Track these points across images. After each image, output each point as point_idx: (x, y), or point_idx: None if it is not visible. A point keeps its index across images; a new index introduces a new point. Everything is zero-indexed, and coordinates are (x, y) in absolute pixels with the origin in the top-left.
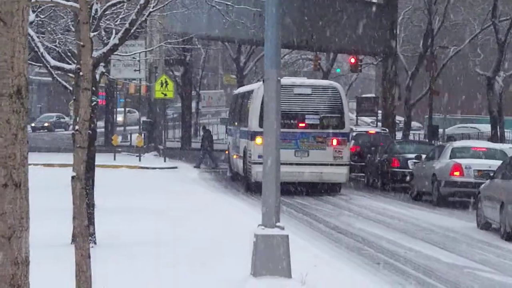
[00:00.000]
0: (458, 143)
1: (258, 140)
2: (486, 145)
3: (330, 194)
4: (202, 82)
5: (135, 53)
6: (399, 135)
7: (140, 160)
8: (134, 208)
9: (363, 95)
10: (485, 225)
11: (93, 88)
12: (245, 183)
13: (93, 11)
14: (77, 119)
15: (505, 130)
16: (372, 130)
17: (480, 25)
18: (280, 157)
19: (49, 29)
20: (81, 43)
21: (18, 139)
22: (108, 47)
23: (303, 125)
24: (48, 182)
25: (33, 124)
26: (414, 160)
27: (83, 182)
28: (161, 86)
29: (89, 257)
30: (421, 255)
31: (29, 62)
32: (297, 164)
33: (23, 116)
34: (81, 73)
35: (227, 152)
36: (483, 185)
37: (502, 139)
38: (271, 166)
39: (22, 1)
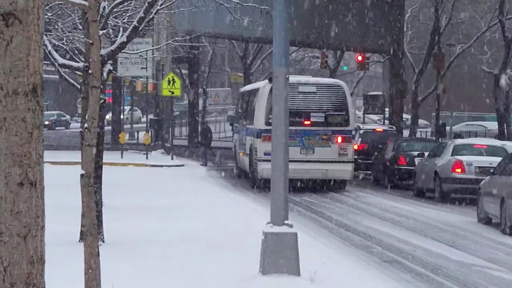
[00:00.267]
0: (459, 141)
1: (264, 137)
2: (487, 142)
3: (336, 191)
4: (209, 80)
5: (142, 51)
6: (406, 132)
7: (147, 158)
8: (142, 206)
9: (370, 93)
10: (485, 220)
11: (101, 86)
12: (251, 180)
13: (101, 9)
14: (86, 117)
15: None
16: (380, 128)
17: (487, 22)
18: (288, 155)
19: (56, 27)
20: (90, 41)
21: (34, 138)
22: (116, 45)
23: (308, 122)
24: (55, 180)
25: None
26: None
27: (92, 180)
28: (169, 84)
29: (98, 255)
30: (427, 252)
31: None
32: (302, 161)
33: (39, 115)
34: (90, 71)
35: (233, 149)
36: (483, 181)
37: (509, 137)
38: (279, 164)
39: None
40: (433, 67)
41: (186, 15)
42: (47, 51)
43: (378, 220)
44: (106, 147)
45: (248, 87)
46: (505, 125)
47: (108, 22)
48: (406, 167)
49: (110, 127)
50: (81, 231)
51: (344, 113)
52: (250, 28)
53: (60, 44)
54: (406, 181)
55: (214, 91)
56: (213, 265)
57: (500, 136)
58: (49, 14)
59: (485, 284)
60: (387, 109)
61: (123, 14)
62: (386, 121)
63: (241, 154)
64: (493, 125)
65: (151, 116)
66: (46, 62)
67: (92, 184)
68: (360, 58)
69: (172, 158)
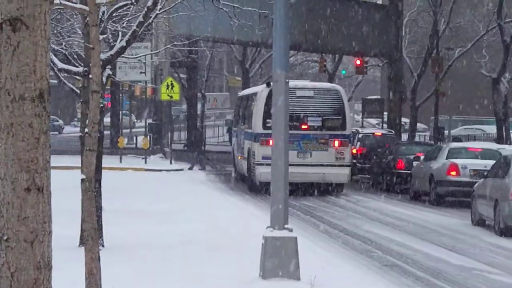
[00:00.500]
0: (455, 144)
1: (262, 141)
2: (482, 145)
3: (335, 195)
4: (207, 84)
5: (141, 56)
6: (404, 136)
7: (146, 162)
8: (141, 210)
9: (369, 97)
10: (479, 222)
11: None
12: (249, 184)
13: (100, 14)
14: (87, 121)
15: (511, 131)
16: (378, 132)
17: (486, 26)
18: (288, 159)
19: (55, 31)
20: (91, 46)
21: (41, 143)
22: (115, 49)
23: (306, 127)
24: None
25: None
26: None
27: (92, 184)
28: (167, 88)
29: (99, 259)
30: (427, 256)
31: None
32: (300, 165)
33: (46, 120)
34: (90, 76)
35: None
36: (477, 183)
37: (507, 141)
38: (279, 168)
39: (44, 5)
40: (431, 71)
41: (185, 19)
42: None
43: (378, 224)
44: (105, 152)
45: (246, 91)
46: (503, 128)
47: (107, 27)
48: (405, 171)
49: (108, 132)
50: (81, 235)
51: (341, 117)
52: (249, 32)
53: (59, 49)
54: (404, 185)
55: (212, 95)
56: (213, 268)
57: (499, 140)
58: None
59: None
60: (385, 113)
61: (122, 19)
62: (385, 125)
63: (239, 158)
64: (492, 129)
65: (149, 121)
66: None
67: (92, 188)
68: (358, 62)
69: (171, 163)
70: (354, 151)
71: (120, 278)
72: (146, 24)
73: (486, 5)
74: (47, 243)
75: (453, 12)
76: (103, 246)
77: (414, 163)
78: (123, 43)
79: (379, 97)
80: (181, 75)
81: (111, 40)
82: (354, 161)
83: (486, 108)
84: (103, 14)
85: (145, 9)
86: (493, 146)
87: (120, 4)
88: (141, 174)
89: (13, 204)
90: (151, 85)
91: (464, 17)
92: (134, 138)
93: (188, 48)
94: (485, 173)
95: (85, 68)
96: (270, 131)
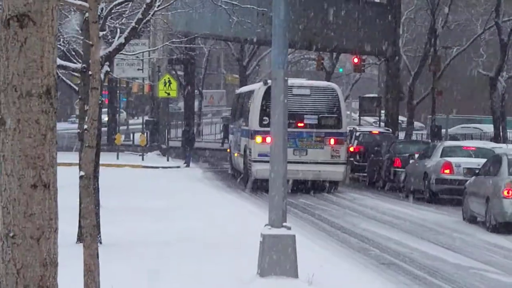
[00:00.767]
0: (449, 143)
1: (258, 138)
2: (476, 144)
3: (332, 193)
4: (204, 82)
5: (139, 52)
6: (402, 135)
7: (143, 159)
8: (138, 207)
9: (366, 95)
10: (471, 219)
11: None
12: (246, 181)
13: (99, 11)
14: (86, 118)
15: (508, 130)
16: (376, 130)
17: (483, 25)
18: (286, 157)
19: None
20: (90, 43)
21: (47, 140)
22: (113, 46)
23: (302, 124)
24: None
25: None
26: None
27: (92, 181)
28: (165, 85)
29: (98, 256)
30: (424, 254)
31: None
32: (296, 162)
33: (52, 116)
34: (90, 72)
35: (228, 150)
36: (468, 181)
37: (504, 139)
38: (278, 166)
39: (51, 1)
40: (429, 70)
41: (183, 16)
42: None
43: (375, 222)
44: (102, 149)
45: (243, 89)
46: (500, 127)
47: (106, 24)
48: (402, 169)
49: (105, 128)
50: (79, 232)
51: (337, 115)
52: (247, 30)
53: (57, 46)
54: (401, 183)
55: (209, 92)
56: (210, 266)
57: (496, 138)
58: None
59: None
60: (383, 111)
61: (121, 15)
62: (382, 124)
63: (236, 155)
64: (489, 128)
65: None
66: None
67: (92, 185)
68: (356, 60)
69: (168, 160)
70: (352, 149)
71: (118, 275)
72: (145, 20)
73: (484, 4)
74: (53, 240)
75: (450, 10)
76: (100, 243)
77: (411, 161)
78: (122, 40)
79: (376, 95)
80: (179, 72)
81: (110, 37)
82: (352, 159)
83: (483, 106)
84: (101, 11)
85: (144, 5)
86: (488, 144)
87: (119, 0)
88: (138, 171)
89: (19, 200)
90: (149, 82)
91: (462, 15)
92: (131, 135)
93: (186, 45)
94: (477, 171)
95: (84, 65)
96: (266, 129)
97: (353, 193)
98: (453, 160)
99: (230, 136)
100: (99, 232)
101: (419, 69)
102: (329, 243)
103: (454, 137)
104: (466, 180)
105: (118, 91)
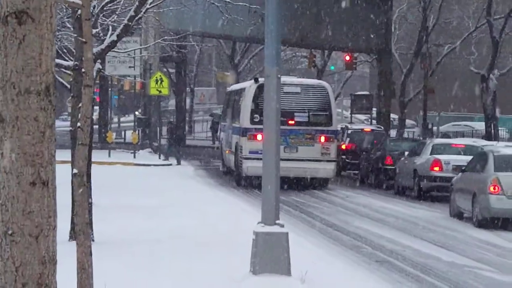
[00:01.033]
0: (438, 140)
1: (249, 136)
2: (465, 142)
3: (324, 191)
4: (196, 79)
5: (131, 50)
6: (393, 132)
7: (134, 157)
8: (129, 205)
9: (358, 93)
10: (457, 215)
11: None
12: (237, 178)
13: (91, 8)
14: (79, 115)
15: (499, 128)
16: (367, 128)
17: (475, 23)
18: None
19: None
20: (84, 40)
21: (46, 137)
22: (106, 43)
23: (293, 122)
24: None
25: None
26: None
27: (85, 178)
28: (156, 83)
29: (91, 254)
30: (417, 252)
31: None
32: (286, 159)
33: (51, 114)
34: (83, 70)
35: (220, 148)
36: (455, 177)
37: (496, 137)
38: (271, 163)
39: None
40: (420, 67)
41: (175, 13)
42: None
43: (367, 220)
44: (94, 146)
45: (235, 87)
46: (492, 125)
47: (98, 21)
48: (393, 167)
49: (97, 126)
50: (71, 230)
51: (327, 113)
52: (239, 28)
53: None
54: (392, 180)
55: (200, 90)
56: (203, 264)
57: (487, 136)
58: None
59: (476, 285)
60: (374, 109)
61: (113, 13)
62: (374, 121)
63: (227, 152)
64: (481, 126)
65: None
66: None
67: (85, 183)
68: (348, 58)
69: (159, 157)
70: (344, 147)
71: (110, 273)
72: (137, 18)
73: (475, 2)
74: (51, 237)
75: (442, 8)
76: (93, 240)
77: (402, 159)
78: (114, 38)
79: (368, 93)
80: (170, 70)
81: (101, 34)
82: (343, 157)
83: (475, 104)
84: (93, 8)
85: (137, 2)
86: (479, 142)
87: None
88: (130, 168)
89: (18, 198)
90: (140, 79)
91: (454, 13)
92: (123, 132)
93: (178, 43)
94: (463, 168)
95: (76, 62)
96: (257, 126)
97: (345, 190)
98: (442, 157)
99: (222, 134)
100: (92, 230)
101: (410, 66)
102: (322, 240)
103: (445, 135)
104: None
105: (109, 89)
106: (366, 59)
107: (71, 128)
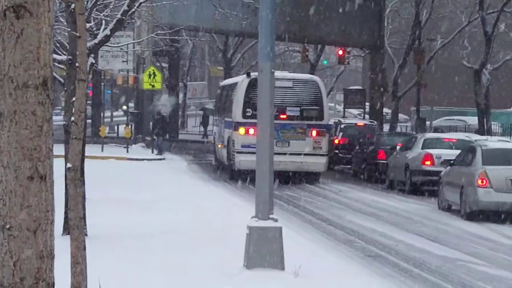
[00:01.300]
0: (430, 135)
1: (241, 130)
2: (456, 136)
3: (317, 185)
4: (189, 74)
5: (123, 44)
6: (386, 127)
7: (127, 151)
8: (123, 199)
9: (351, 87)
10: (446, 207)
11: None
12: (229, 171)
13: (85, 2)
14: (73, 110)
15: (492, 122)
16: (360, 122)
17: (468, 17)
18: (273, 149)
19: None
20: (77, 34)
21: (44, 131)
22: (99, 38)
23: (284, 116)
24: None
25: None
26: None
27: (79, 173)
28: (149, 77)
29: (85, 249)
30: (410, 246)
31: None
32: (278, 153)
33: (49, 108)
34: (76, 64)
35: (212, 142)
36: (443, 171)
37: (489, 132)
38: (264, 158)
39: None
40: (413, 62)
41: (168, 8)
42: None
43: (360, 214)
44: (87, 141)
45: (227, 81)
46: (485, 120)
47: (91, 15)
48: (385, 161)
49: (90, 121)
50: (65, 224)
51: (319, 107)
52: (232, 22)
53: None
54: (385, 175)
55: (192, 85)
56: (196, 258)
57: (480, 131)
58: None
59: (469, 279)
60: (367, 104)
61: (106, 7)
62: (367, 116)
63: (219, 146)
64: (474, 120)
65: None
66: None
67: (79, 177)
68: (340, 52)
69: (152, 152)
70: (336, 141)
71: (103, 267)
72: (130, 12)
73: None
74: (49, 232)
75: (435, 2)
76: (86, 235)
77: (394, 153)
78: (107, 32)
79: (361, 87)
80: (163, 64)
81: (95, 29)
82: (336, 151)
83: (468, 99)
84: (87, 2)
85: None
86: (472, 137)
87: None
88: (123, 163)
89: (15, 192)
90: (133, 74)
91: (446, 8)
92: (116, 127)
93: (171, 37)
94: (451, 161)
95: (69, 57)
96: (249, 120)
97: (338, 185)
98: (434, 151)
99: (214, 128)
100: (85, 224)
101: (403, 61)
102: (315, 235)
103: (438, 129)
104: None
105: (102, 84)
106: (359, 54)
107: (64, 122)
